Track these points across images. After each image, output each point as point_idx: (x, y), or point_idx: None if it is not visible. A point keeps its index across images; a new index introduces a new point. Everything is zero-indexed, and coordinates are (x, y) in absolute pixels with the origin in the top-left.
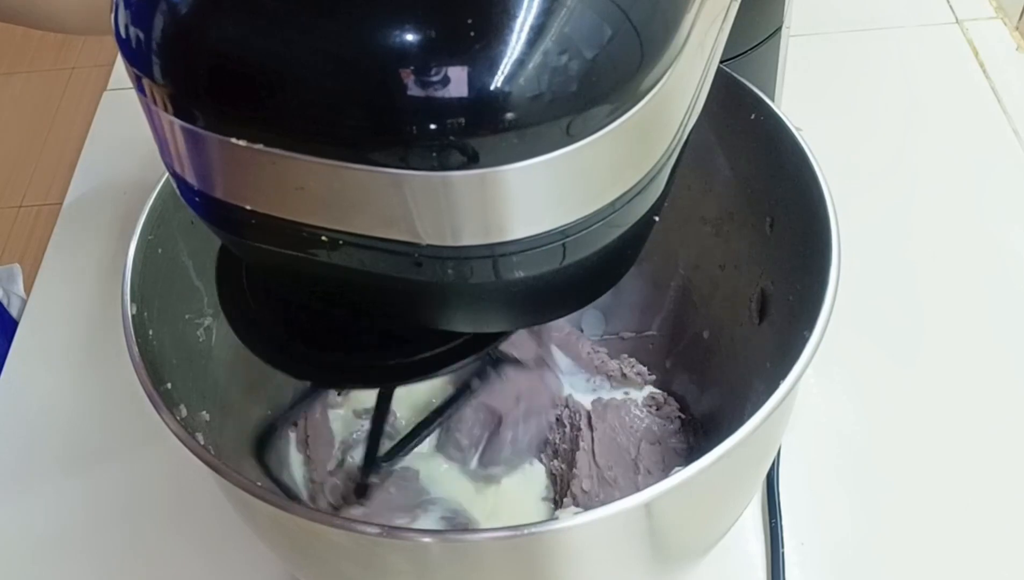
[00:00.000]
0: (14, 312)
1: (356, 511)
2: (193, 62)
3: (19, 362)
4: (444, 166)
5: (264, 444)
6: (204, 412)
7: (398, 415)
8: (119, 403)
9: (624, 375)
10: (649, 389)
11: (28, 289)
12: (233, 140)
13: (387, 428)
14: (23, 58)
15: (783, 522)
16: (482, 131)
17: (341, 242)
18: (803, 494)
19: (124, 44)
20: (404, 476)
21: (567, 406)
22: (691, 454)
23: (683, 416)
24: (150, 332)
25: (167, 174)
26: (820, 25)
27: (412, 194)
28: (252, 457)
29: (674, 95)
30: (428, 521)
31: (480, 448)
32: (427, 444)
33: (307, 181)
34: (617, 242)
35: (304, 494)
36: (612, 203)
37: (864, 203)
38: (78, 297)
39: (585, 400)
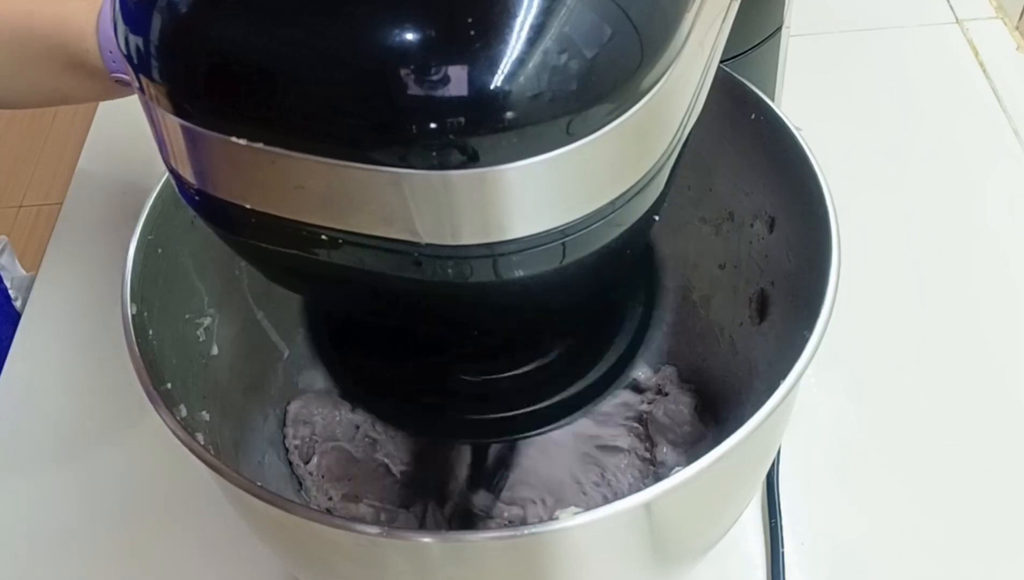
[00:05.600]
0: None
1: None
2: (193, 61)
3: (19, 362)
4: (444, 165)
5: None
6: (204, 412)
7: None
8: (119, 403)
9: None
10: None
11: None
12: (233, 139)
13: None
14: None
15: (783, 522)
16: (482, 130)
17: (341, 241)
18: (803, 494)
19: (123, 43)
20: None
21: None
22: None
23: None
24: (150, 332)
25: (167, 174)
26: (820, 25)
27: (412, 193)
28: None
29: (674, 95)
30: None
31: None
32: None
33: (307, 180)
34: (617, 241)
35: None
36: (612, 202)
37: (864, 203)
38: (78, 297)
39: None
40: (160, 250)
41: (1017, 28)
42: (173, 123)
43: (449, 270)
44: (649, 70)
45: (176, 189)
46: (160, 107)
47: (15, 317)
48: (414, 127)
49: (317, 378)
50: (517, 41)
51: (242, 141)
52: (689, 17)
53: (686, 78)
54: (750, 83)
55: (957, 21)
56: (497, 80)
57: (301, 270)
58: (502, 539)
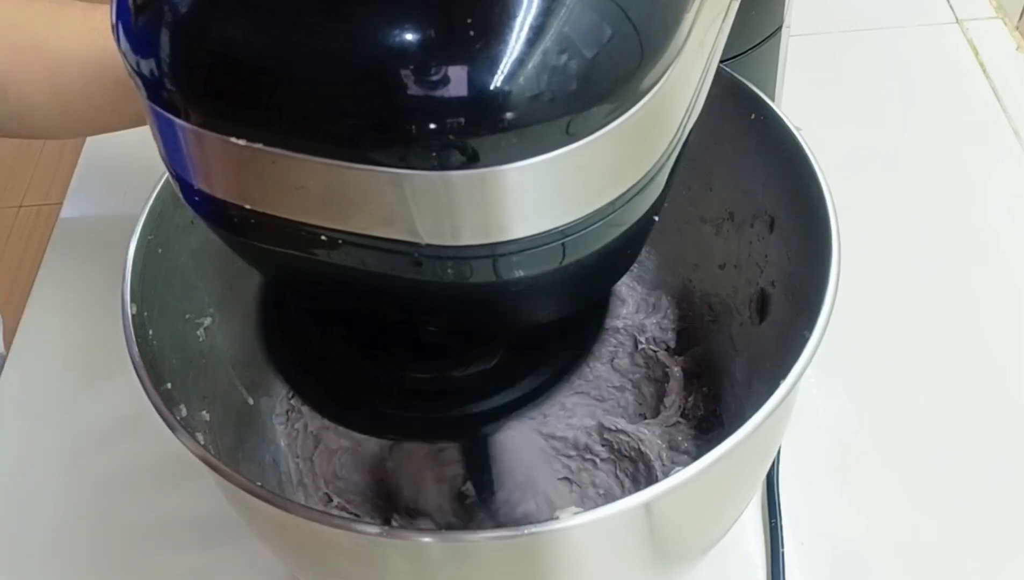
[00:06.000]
0: None
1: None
2: (191, 61)
3: (19, 363)
4: (444, 165)
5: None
6: (204, 412)
7: None
8: (119, 403)
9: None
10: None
11: (27, 289)
12: (232, 139)
13: None
14: None
15: (783, 522)
16: (482, 131)
17: (340, 241)
18: (803, 494)
19: (122, 43)
20: None
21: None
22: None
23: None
24: (150, 332)
25: (167, 174)
26: (820, 25)
27: (412, 193)
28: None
29: (674, 95)
30: None
31: None
32: None
33: (306, 180)
34: (617, 241)
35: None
36: (612, 202)
37: (864, 203)
38: (78, 297)
39: None
40: (160, 250)
41: (1017, 28)
42: (172, 123)
43: (449, 270)
44: (649, 70)
45: (176, 190)
46: (159, 107)
47: None
48: (414, 127)
49: None
50: (517, 41)
51: (242, 141)
52: (689, 17)
53: (686, 78)
54: (750, 83)
55: (957, 21)
56: (497, 80)
57: (301, 270)
58: (502, 539)
